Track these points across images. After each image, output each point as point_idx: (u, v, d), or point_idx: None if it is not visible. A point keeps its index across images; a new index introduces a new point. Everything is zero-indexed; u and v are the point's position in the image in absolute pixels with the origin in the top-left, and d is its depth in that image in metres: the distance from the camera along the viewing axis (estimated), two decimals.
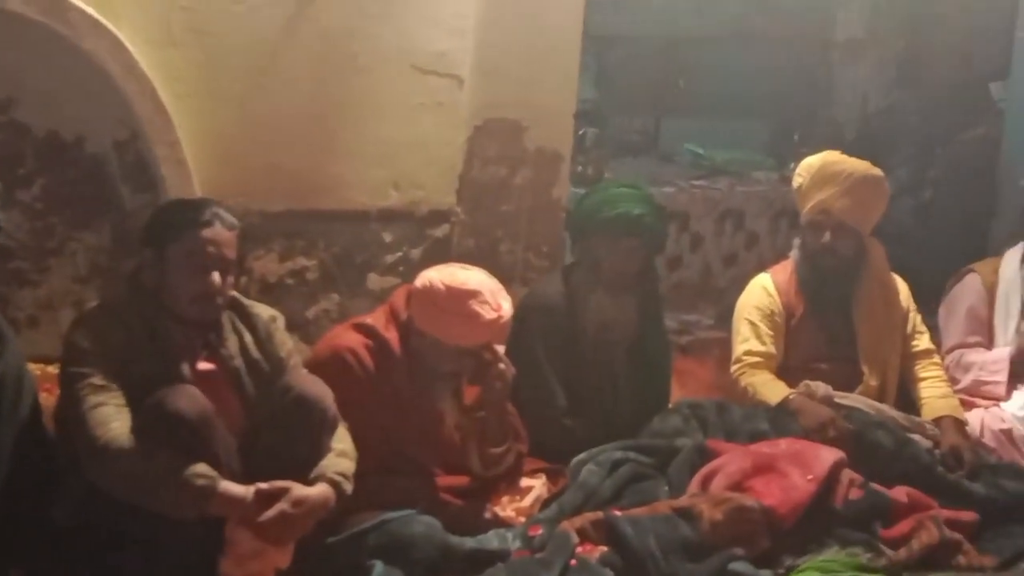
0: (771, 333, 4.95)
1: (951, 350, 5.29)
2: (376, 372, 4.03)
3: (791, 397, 4.73)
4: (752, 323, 4.96)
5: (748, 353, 4.93)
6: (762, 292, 5.02)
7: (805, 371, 4.90)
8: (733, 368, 4.96)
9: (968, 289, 5.33)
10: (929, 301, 5.42)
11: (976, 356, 5.22)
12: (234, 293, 3.79)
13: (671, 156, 7.60)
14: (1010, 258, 5.29)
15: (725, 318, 5.32)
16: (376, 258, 5.16)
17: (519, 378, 4.28)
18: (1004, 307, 5.23)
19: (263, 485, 3.47)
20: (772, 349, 4.93)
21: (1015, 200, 6.56)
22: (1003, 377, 5.13)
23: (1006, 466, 4.67)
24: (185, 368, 3.62)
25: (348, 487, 3.65)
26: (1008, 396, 5.12)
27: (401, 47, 5.01)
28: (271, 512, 3.45)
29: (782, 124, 8.00)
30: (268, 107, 4.88)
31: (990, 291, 5.26)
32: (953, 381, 5.16)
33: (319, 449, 3.67)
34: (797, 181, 4.99)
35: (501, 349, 4.30)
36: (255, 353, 3.80)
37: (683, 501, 4.08)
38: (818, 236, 4.92)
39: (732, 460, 4.26)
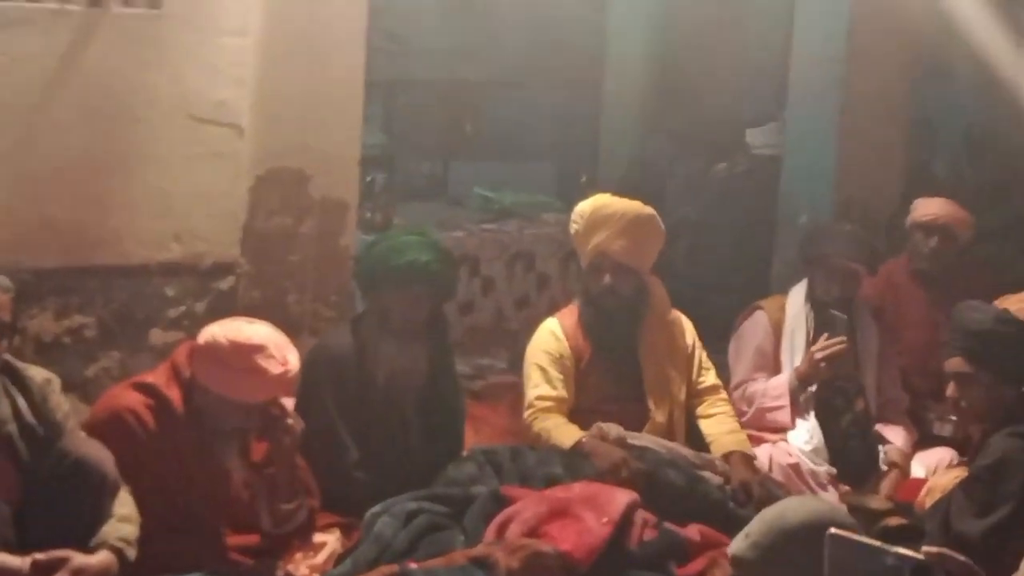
0: (561, 377, 4.97)
1: (737, 386, 5.39)
2: (158, 432, 3.93)
3: (584, 440, 4.75)
4: (542, 368, 4.98)
5: (539, 398, 4.94)
6: (550, 337, 5.04)
7: (596, 412, 4.93)
8: (526, 414, 4.97)
9: (755, 326, 5.46)
10: (715, 338, 5.52)
11: (758, 385, 5.34)
12: (7, 356, 3.65)
13: (460, 200, 7.64)
14: (795, 295, 5.43)
15: (519, 361, 5.33)
16: (158, 313, 5.02)
17: (309, 431, 4.23)
18: (790, 343, 5.36)
19: (40, 555, 3.37)
20: (563, 393, 4.96)
21: (794, 237, 6.73)
22: (785, 402, 5.25)
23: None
24: None
25: (131, 553, 3.57)
26: (793, 424, 5.23)
27: (178, 96, 4.91)
28: None
29: (568, 166, 8.10)
30: (39, 160, 4.72)
31: (776, 327, 5.39)
32: (740, 414, 5.26)
33: (100, 515, 3.57)
34: (573, 227, 5.06)
35: (290, 402, 4.23)
36: (29, 418, 3.66)
37: (479, 550, 4.04)
38: (598, 279, 4.98)
39: (527, 506, 4.25)
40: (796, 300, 5.41)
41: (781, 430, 5.27)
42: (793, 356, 5.32)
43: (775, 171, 7.19)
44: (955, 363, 4.53)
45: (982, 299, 4.85)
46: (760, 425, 5.30)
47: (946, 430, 5.45)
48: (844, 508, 4.50)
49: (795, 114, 6.97)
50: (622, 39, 8.29)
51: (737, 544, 3.45)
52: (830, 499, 4.86)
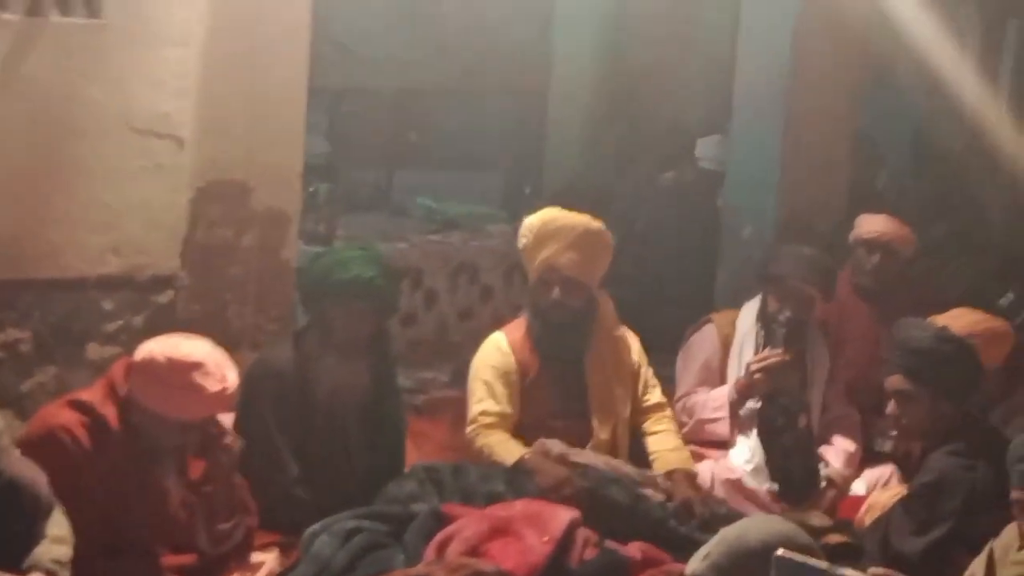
0: (506, 392, 4.95)
1: (680, 398, 5.40)
2: (93, 451, 3.87)
3: (527, 457, 4.74)
4: (487, 383, 4.96)
5: (483, 413, 4.92)
6: (496, 351, 5.02)
7: (540, 428, 4.92)
8: (469, 429, 4.95)
9: (703, 340, 5.47)
10: (660, 352, 5.52)
11: (699, 397, 5.35)
12: None
13: (404, 210, 7.61)
14: (747, 311, 5.43)
15: (462, 375, 5.32)
16: (96, 327, 4.95)
17: (248, 448, 4.21)
18: (737, 358, 5.36)
19: None
20: (507, 408, 4.93)
21: (738, 251, 6.75)
22: (724, 414, 5.26)
23: (736, 517, 4.75)
24: None
25: (65, 574, 3.51)
26: (731, 437, 5.24)
27: (119, 109, 4.84)
28: None
29: (514, 176, 8.09)
30: None
31: (725, 342, 5.39)
32: (680, 425, 5.27)
33: (33, 536, 3.52)
34: (521, 241, 5.04)
35: (228, 419, 4.20)
36: None
37: (419, 569, 4.02)
38: (547, 293, 4.96)
39: (468, 524, 4.23)
40: (747, 317, 5.41)
41: (721, 445, 5.28)
42: (740, 372, 5.32)
43: (721, 183, 7.21)
44: (895, 381, 4.55)
45: (924, 314, 4.89)
46: (699, 437, 5.31)
47: (887, 446, 5.47)
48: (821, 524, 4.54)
49: (739, 126, 6.97)
50: (569, 49, 8.28)
51: (695, 564, 3.42)
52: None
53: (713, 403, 5.31)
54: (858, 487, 5.31)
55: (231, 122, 5.10)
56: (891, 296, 5.78)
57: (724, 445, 5.29)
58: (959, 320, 4.88)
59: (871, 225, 5.93)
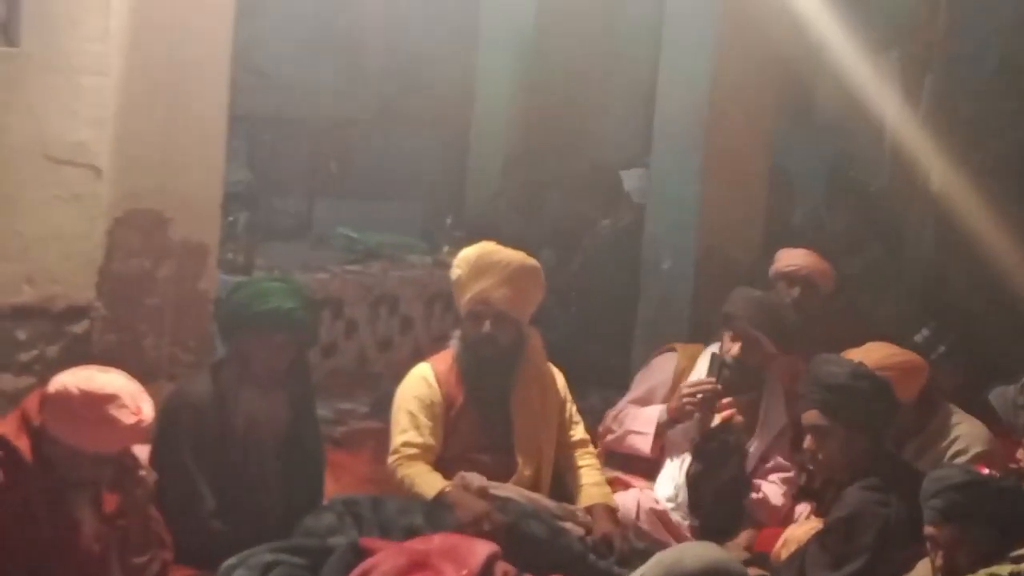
0: (430, 424, 4.92)
1: (618, 408, 5.45)
2: (5, 483, 3.80)
3: (447, 490, 4.71)
4: (411, 414, 4.93)
5: (406, 444, 4.89)
6: (422, 382, 4.99)
7: (464, 461, 4.89)
8: (391, 459, 4.91)
9: (661, 366, 5.51)
10: (580, 385, 5.53)
11: (632, 410, 5.38)
12: None
13: (325, 239, 7.58)
14: (710, 351, 5.42)
15: (382, 406, 5.31)
16: (9, 358, 4.89)
17: (164, 480, 4.15)
18: None
19: None
20: (430, 440, 4.91)
21: (659, 284, 6.79)
22: (649, 431, 5.28)
23: (654, 550, 4.74)
24: None
25: None
26: (660, 458, 5.27)
27: (35, 137, 4.79)
28: None
29: (435, 206, 8.09)
30: None
31: (680, 374, 5.40)
32: (607, 432, 5.33)
33: None
34: (455, 273, 5.02)
35: (144, 451, 4.14)
36: None
37: None
38: (478, 326, 4.95)
39: (386, 559, 4.19)
40: (707, 356, 5.43)
41: (646, 474, 5.30)
42: None
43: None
44: (811, 416, 4.60)
45: (839, 350, 4.93)
46: (622, 446, 5.34)
47: (802, 479, 5.49)
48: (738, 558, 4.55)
49: (659, 160, 7.03)
50: (491, 80, 8.32)
51: None
52: None
53: (643, 417, 5.34)
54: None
55: (149, 151, 5.07)
56: (809, 331, 5.82)
57: (649, 473, 5.31)
58: (873, 354, 4.93)
59: (791, 259, 6.00)
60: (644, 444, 5.31)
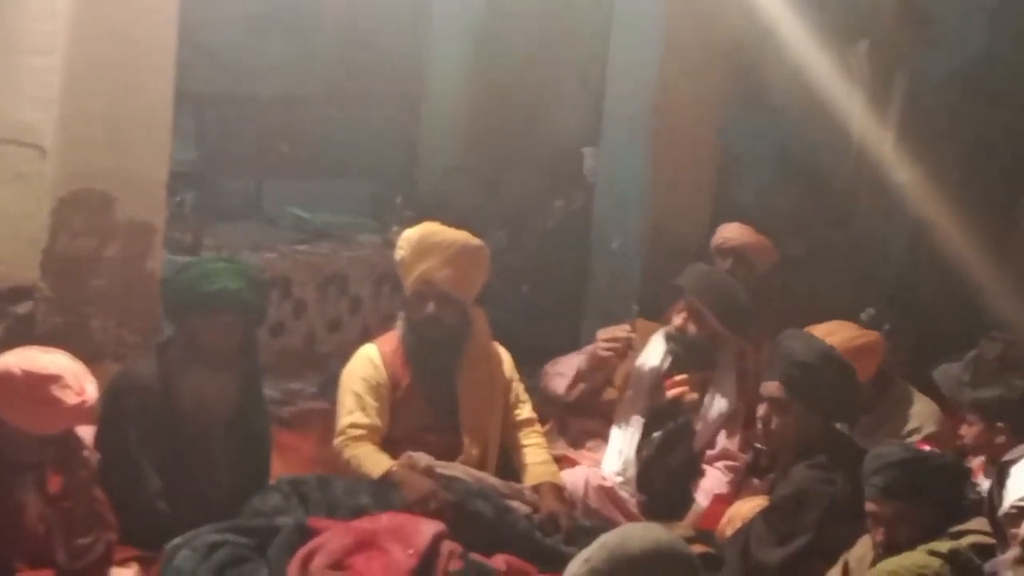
0: (376, 405, 4.93)
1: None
2: None
3: (393, 470, 4.72)
4: (357, 394, 4.93)
5: (352, 425, 4.89)
6: (368, 363, 5.00)
7: (411, 442, 4.90)
8: (337, 440, 4.92)
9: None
10: (529, 366, 5.55)
11: (563, 358, 5.52)
12: None
13: (274, 219, 7.55)
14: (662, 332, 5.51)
15: (330, 386, 5.29)
16: None
17: (109, 461, 4.16)
18: (640, 365, 5.44)
19: None
20: (376, 421, 4.91)
21: (608, 263, 6.81)
22: (566, 373, 5.42)
23: (600, 528, 4.78)
24: None
25: None
26: (565, 395, 5.40)
27: None
28: None
29: (385, 186, 8.06)
30: None
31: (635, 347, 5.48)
32: (545, 389, 5.44)
33: None
34: (399, 254, 5.02)
35: (88, 433, 4.13)
36: None
37: None
38: (422, 307, 4.96)
39: (333, 538, 4.20)
40: (661, 334, 5.50)
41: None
42: (640, 379, 5.40)
43: None
44: (772, 387, 4.62)
45: (780, 330, 4.96)
46: (541, 384, 5.48)
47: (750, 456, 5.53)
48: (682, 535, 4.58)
49: (609, 140, 7.04)
50: (442, 58, 8.29)
51: (575, 567, 3.41)
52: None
53: (565, 362, 5.48)
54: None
55: (95, 131, 5.02)
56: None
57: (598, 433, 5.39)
58: (836, 335, 4.94)
59: (724, 232, 6.08)
60: (560, 384, 5.42)
